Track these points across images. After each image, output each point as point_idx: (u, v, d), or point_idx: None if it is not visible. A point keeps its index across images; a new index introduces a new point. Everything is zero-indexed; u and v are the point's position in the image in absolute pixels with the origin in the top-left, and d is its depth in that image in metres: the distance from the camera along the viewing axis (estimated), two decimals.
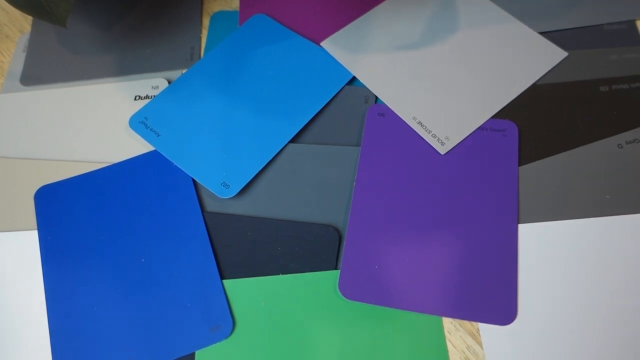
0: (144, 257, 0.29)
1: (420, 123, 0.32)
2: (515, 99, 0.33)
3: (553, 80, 0.33)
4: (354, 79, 0.34)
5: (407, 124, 0.32)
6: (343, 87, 0.34)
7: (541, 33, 0.35)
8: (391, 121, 0.32)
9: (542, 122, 0.32)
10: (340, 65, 0.35)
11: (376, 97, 0.34)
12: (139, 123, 0.33)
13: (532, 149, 0.31)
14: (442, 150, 0.31)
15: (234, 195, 0.30)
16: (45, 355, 0.27)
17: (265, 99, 0.33)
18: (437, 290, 0.28)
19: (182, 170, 0.31)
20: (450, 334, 0.27)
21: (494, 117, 0.32)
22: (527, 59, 0.34)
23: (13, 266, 0.30)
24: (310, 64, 0.35)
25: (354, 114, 0.33)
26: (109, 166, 0.32)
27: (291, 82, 0.34)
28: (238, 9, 0.38)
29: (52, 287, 0.29)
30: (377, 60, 0.35)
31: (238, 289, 0.28)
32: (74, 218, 0.30)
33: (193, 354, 0.27)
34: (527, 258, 0.28)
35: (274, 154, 0.32)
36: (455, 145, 0.31)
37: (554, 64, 0.34)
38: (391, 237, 0.29)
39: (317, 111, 0.33)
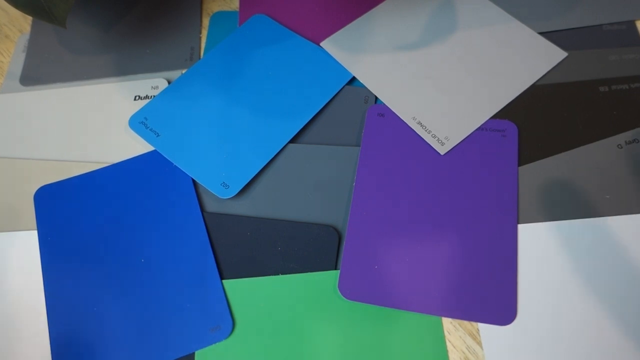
0: (143, 258, 0.29)
1: (420, 123, 0.32)
2: (515, 99, 0.33)
3: (553, 81, 0.33)
4: (353, 79, 0.34)
5: (406, 124, 0.32)
6: (343, 87, 0.34)
7: (541, 33, 0.35)
8: (391, 121, 0.32)
9: (542, 123, 0.32)
10: (340, 65, 0.35)
11: (376, 97, 0.34)
12: (139, 123, 0.33)
13: (531, 149, 0.31)
14: (442, 150, 0.31)
15: (233, 195, 0.30)
16: (45, 355, 0.27)
17: (265, 99, 0.33)
18: (437, 290, 0.28)
19: (182, 171, 0.31)
20: (449, 334, 0.27)
21: (493, 117, 0.32)
22: (527, 59, 0.34)
23: (13, 266, 0.30)
24: (310, 64, 0.35)
25: (353, 114, 0.33)
26: (109, 166, 0.32)
27: (291, 82, 0.34)
28: (238, 9, 0.38)
29: (52, 287, 0.29)
30: (376, 60, 0.35)
31: (238, 289, 0.28)
32: (73, 218, 0.30)
33: (193, 354, 0.27)
34: (527, 258, 0.28)
35: (274, 154, 0.32)
36: (455, 146, 0.31)
37: (554, 64, 0.34)
38: (391, 237, 0.29)
39: (317, 111, 0.33)
